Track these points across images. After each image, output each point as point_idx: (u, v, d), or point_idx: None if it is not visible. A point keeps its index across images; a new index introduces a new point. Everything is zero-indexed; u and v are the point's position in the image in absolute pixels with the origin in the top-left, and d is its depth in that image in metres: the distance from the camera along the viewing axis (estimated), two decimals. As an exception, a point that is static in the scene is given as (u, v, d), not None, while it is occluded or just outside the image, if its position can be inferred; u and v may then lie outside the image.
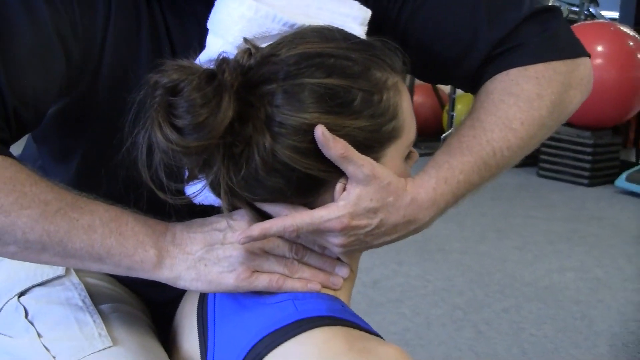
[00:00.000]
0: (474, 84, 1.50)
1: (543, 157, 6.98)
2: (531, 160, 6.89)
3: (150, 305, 1.56)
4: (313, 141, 1.20)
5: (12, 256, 1.27)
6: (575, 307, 4.37)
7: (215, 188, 1.25)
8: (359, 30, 1.35)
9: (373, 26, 1.37)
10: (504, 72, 1.45)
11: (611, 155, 6.87)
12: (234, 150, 1.20)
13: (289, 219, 1.24)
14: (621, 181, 6.59)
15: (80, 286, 1.47)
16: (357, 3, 1.37)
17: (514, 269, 4.79)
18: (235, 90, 1.19)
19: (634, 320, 4.40)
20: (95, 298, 1.46)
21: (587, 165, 6.69)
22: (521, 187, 6.68)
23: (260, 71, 1.22)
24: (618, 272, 4.84)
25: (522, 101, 1.41)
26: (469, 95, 6.53)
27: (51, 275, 1.48)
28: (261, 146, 1.20)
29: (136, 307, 1.52)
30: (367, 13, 1.36)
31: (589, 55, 1.51)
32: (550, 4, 1.45)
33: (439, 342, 3.81)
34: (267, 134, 1.20)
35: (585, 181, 6.70)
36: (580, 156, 6.73)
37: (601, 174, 6.77)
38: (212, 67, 1.22)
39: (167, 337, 1.49)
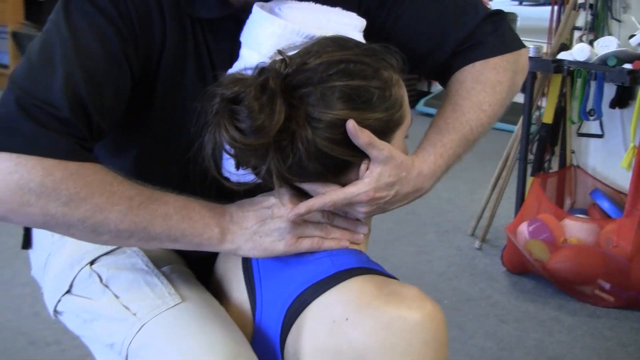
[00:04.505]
0: (441, 74, 1.51)
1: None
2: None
3: (189, 260, 1.50)
4: (344, 132, 1.17)
5: (105, 243, 1.24)
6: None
7: (264, 175, 1.21)
8: (359, 36, 1.33)
9: (364, 31, 1.35)
10: (470, 65, 1.46)
11: (410, 87, 6.94)
12: (282, 143, 1.17)
13: (327, 197, 1.23)
14: (420, 106, 6.77)
15: (140, 253, 1.41)
16: (355, 14, 1.34)
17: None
18: (280, 95, 1.16)
19: (448, 211, 4.51)
20: (155, 261, 1.41)
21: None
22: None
23: (297, 77, 1.18)
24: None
25: (487, 87, 1.43)
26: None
27: (115, 246, 1.41)
28: (304, 139, 1.17)
29: (183, 264, 1.47)
30: (363, 22, 1.35)
31: (526, 47, 1.53)
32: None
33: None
34: (308, 128, 1.17)
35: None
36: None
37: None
38: (254, 75, 1.18)
39: (208, 287, 1.44)
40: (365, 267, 1.23)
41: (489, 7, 1.52)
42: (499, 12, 1.50)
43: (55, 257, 1.44)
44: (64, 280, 1.41)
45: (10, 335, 2.93)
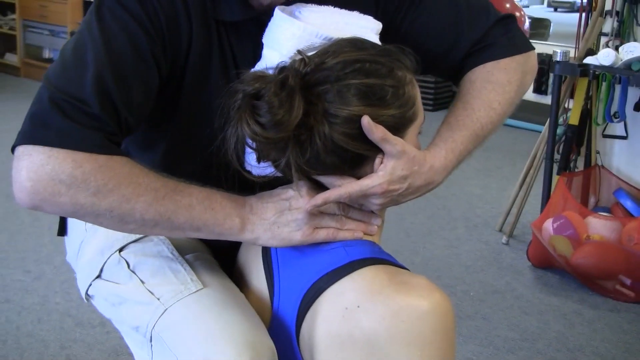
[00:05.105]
0: (454, 73, 1.51)
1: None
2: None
3: (214, 249, 1.50)
4: (359, 128, 1.18)
5: (131, 231, 1.26)
6: (437, 200, 4.42)
7: (283, 168, 1.22)
8: (376, 38, 1.33)
9: (380, 33, 1.35)
10: (482, 65, 1.45)
11: (447, 88, 6.97)
12: (301, 138, 1.17)
13: (343, 189, 1.23)
14: (455, 106, 6.74)
15: (166, 241, 1.42)
16: (371, 17, 1.35)
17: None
18: (299, 92, 1.16)
19: (478, 207, 4.49)
20: (180, 249, 1.41)
21: (431, 96, 6.78)
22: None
23: (315, 76, 1.19)
24: (460, 172, 4.86)
25: (497, 87, 1.42)
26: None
27: (141, 234, 1.42)
28: (321, 133, 1.17)
29: (208, 253, 1.47)
30: (379, 25, 1.35)
31: (534, 49, 1.52)
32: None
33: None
34: (325, 123, 1.17)
35: (430, 107, 6.74)
36: (426, 90, 6.76)
37: (441, 102, 6.89)
38: (275, 73, 1.19)
39: (231, 275, 1.45)
40: (377, 258, 1.22)
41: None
42: (510, 16, 1.50)
43: (88, 244, 1.46)
44: (95, 266, 1.42)
45: (59, 317, 2.97)
